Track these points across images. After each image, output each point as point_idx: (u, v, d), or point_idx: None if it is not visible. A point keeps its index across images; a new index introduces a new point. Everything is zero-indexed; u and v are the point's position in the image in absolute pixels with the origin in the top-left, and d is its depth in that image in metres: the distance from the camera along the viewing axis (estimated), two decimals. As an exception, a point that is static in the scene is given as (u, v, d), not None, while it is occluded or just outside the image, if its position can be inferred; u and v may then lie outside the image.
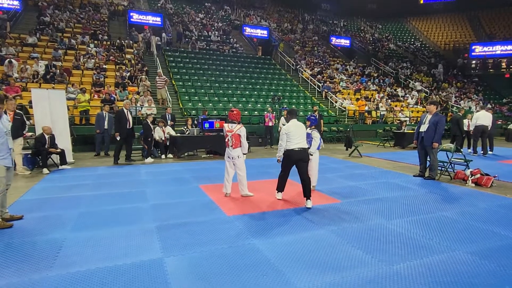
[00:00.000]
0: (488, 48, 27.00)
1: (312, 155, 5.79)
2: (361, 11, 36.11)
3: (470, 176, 6.49)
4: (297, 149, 4.87)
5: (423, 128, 6.80)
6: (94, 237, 3.69)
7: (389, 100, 19.49)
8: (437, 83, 24.55)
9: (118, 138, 8.75)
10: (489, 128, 10.73)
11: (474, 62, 28.02)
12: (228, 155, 5.34)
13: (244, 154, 5.37)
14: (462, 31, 32.31)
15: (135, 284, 2.70)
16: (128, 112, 8.89)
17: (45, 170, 7.45)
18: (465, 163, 6.95)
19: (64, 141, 8.46)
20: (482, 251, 3.38)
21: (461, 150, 7.51)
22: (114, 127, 9.39)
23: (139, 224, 4.14)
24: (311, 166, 5.87)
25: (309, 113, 14.78)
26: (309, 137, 5.85)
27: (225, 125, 5.38)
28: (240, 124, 5.43)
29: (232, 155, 5.29)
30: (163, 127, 10.09)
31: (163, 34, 20.05)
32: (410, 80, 23.60)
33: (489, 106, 21.02)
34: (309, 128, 5.91)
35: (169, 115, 11.16)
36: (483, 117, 10.79)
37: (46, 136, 7.71)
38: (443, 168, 7.05)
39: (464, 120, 11.62)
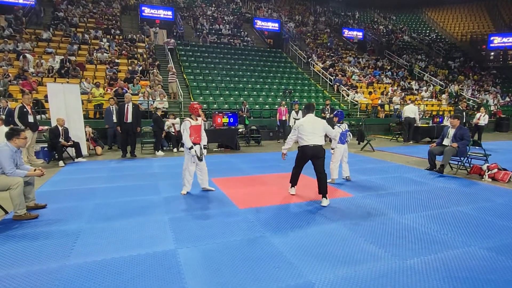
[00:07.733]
0: (508, 39, 26.08)
1: (333, 150, 5.89)
2: (375, 2, 35.20)
3: (486, 170, 6.34)
4: (311, 145, 4.71)
5: (447, 141, 6.98)
6: (109, 228, 3.77)
7: (403, 93, 19.10)
8: (453, 76, 23.90)
9: (120, 131, 8.77)
10: (416, 121, 12.22)
11: (492, 53, 27.15)
12: (196, 151, 5.10)
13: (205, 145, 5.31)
14: (480, 21, 31.26)
15: (150, 274, 2.75)
16: (129, 106, 8.56)
17: (61, 163, 7.63)
18: (484, 158, 6.79)
19: (78, 134, 8.62)
20: (499, 247, 3.31)
21: (480, 143, 7.38)
22: (117, 121, 9.07)
23: (152, 216, 4.20)
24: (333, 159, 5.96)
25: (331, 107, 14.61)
26: (343, 135, 5.88)
27: (190, 120, 5.10)
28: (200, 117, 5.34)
29: (198, 150, 5.15)
30: (174, 120, 10.18)
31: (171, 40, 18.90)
32: (424, 73, 23.04)
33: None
34: (337, 125, 5.89)
35: None
36: (409, 110, 12.08)
37: (60, 128, 7.88)
38: (459, 163, 6.90)
39: (476, 114, 12.25)
